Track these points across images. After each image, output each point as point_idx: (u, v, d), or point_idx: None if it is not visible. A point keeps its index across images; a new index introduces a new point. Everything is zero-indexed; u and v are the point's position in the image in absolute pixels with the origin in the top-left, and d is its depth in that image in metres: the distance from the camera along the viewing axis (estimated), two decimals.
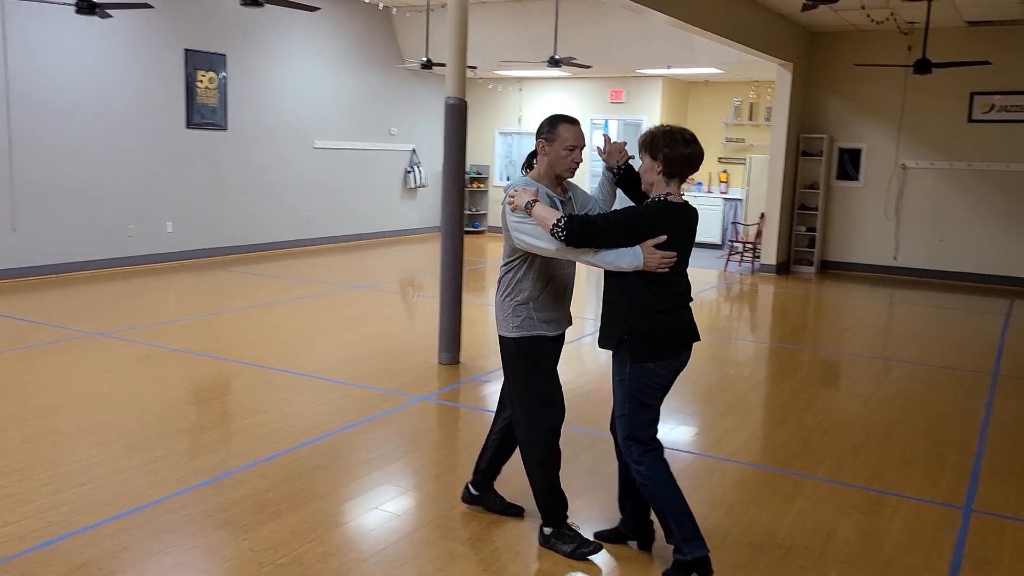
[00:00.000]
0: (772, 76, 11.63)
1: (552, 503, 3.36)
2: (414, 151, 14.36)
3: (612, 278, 3.12)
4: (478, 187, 15.28)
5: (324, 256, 11.73)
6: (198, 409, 5.10)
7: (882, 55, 10.90)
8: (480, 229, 15.39)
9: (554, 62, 10.42)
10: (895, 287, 10.81)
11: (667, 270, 3.01)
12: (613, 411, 3.26)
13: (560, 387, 3.35)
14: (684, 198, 3.16)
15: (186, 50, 10.24)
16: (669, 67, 12.41)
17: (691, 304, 3.19)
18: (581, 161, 3.29)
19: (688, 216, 3.13)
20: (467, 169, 14.58)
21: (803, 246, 11.95)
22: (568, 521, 3.40)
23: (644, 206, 3.14)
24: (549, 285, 3.29)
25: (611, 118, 14.81)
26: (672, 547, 3.13)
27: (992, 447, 4.82)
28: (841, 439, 4.88)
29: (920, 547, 3.53)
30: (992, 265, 10.94)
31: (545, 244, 3.07)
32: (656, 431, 3.17)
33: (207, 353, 6.27)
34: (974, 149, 10.89)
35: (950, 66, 8.58)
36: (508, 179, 15.47)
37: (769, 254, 11.61)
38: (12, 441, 4.36)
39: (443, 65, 11.06)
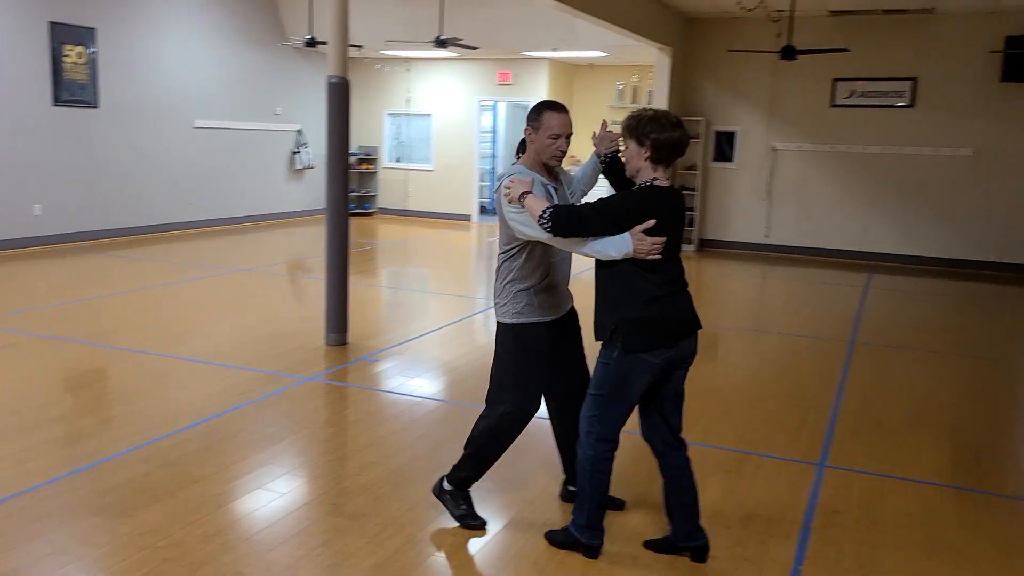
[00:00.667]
0: (653, 60, 12.00)
1: (471, 468, 3.42)
2: (300, 131, 14.08)
3: (602, 267, 3.07)
4: (367, 168, 15.14)
5: (207, 239, 11.40)
6: (72, 396, 4.93)
7: (753, 41, 11.42)
8: (370, 211, 15.27)
9: (440, 43, 10.43)
10: (767, 263, 11.41)
11: (658, 256, 2.96)
12: (646, 421, 3.22)
13: (542, 382, 3.35)
14: (669, 182, 3.10)
15: (51, 23, 9.70)
16: (555, 50, 12.61)
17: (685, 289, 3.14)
18: (566, 149, 3.23)
19: (676, 200, 3.08)
20: (355, 150, 14.46)
21: None
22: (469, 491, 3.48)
23: (632, 192, 3.08)
24: (549, 271, 3.29)
25: (499, 100, 14.93)
26: (572, 517, 3.23)
27: (845, 409, 5.22)
28: (712, 405, 5.18)
29: (777, 501, 3.82)
30: (853, 241, 11.70)
31: (542, 234, 3.04)
32: (621, 427, 3.15)
33: (81, 339, 6.05)
34: (837, 132, 11.57)
35: (813, 53, 9.10)
36: (398, 160, 15.40)
37: None
38: None
39: (326, 43, 10.92)
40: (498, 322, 3.37)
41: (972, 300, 9.34)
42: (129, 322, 6.70)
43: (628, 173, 3.15)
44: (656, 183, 3.03)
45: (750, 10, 10.86)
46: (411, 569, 3.09)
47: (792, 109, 11.77)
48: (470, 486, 3.49)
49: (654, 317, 3.01)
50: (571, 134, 3.22)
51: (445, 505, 3.47)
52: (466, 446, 3.45)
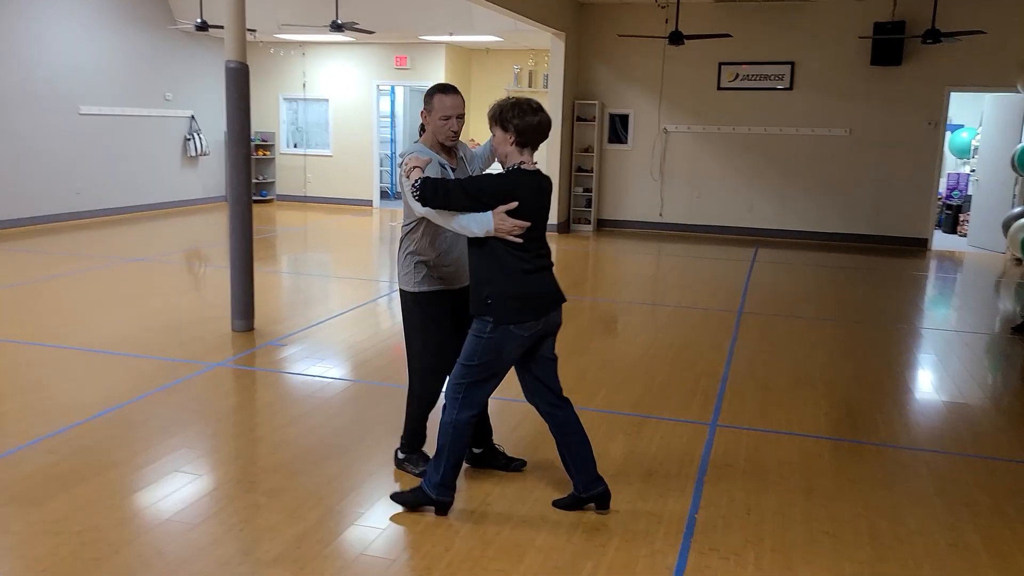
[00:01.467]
0: (548, 45, 12.24)
1: (416, 433, 3.76)
2: (193, 118, 13.71)
3: (473, 244, 3.24)
4: (264, 154, 14.88)
5: (98, 230, 11.02)
6: None
7: (643, 27, 11.82)
8: (268, 198, 15.02)
9: (336, 26, 10.37)
10: (662, 241, 11.88)
11: (519, 238, 3.15)
12: (527, 387, 3.43)
13: (452, 340, 3.51)
14: (537, 166, 3.29)
15: None
16: (451, 34, 12.69)
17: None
18: (458, 129, 3.41)
19: (540, 183, 3.27)
20: (252, 136, 14.17)
21: (581, 206, 12.78)
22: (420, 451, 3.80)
23: (499, 174, 3.27)
24: (445, 244, 3.48)
25: (397, 84, 14.90)
26: (422, 478, 3.46)
27: (734, 373, 5.59)
28: (612, 375, 5.47)
29: (674, 458, 4.11)
30: (740, 219, 12.31)
31: (421, 208, 3.21)
32: (488, 396, 3.35)
33: None
34: (723, 114, 12.13)
35: (698, 38, 9.53)
36: (295, 146, 15.19)
37: (551, 214, 12.29)
38: None
39: (220, 28, 10.69)
40: (401, 290, 3.61)
41: (848, 270, 10.01)
42: (20, 314, 6.49)
43: (499, 158, 3.36)
44: (523, 166, 3.23)
45: None
46: (332, 537, 3.22)
47: (681, 92, 12.24)
48: (421, 446, 3.81)
49: (522, 292, 3.23)
50: (462, 115, 3.42)
51: (406, 471, 3.78)
52: (406, 418, 3.77)
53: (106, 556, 3.00)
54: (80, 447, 3.98)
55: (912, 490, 3.84)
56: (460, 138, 3.61)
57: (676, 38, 9.26)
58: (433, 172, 3.33)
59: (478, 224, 3.15)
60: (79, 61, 11.39)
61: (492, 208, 3.14)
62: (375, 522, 3.36)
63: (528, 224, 3.18)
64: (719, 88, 12.03)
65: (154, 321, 6.43)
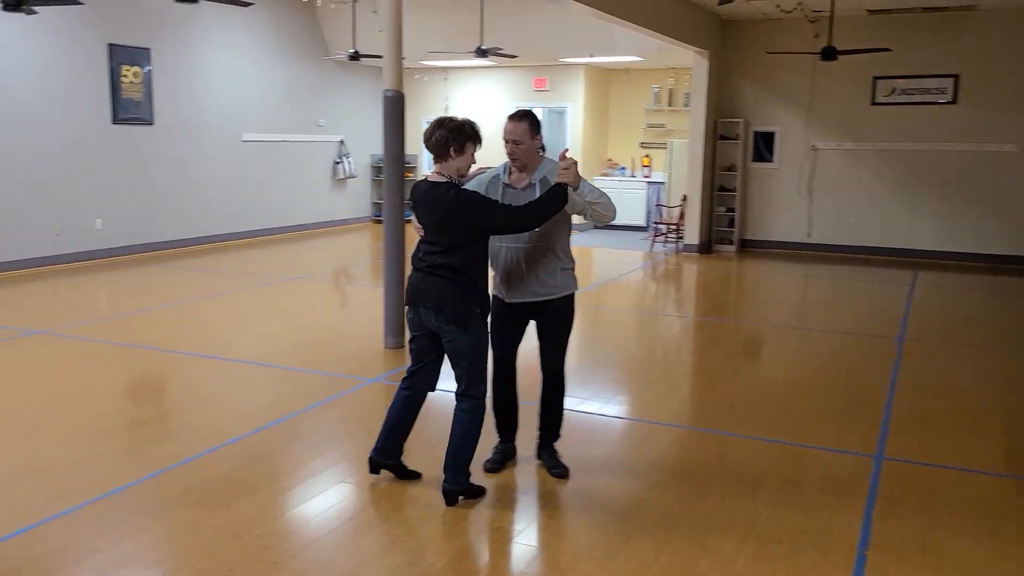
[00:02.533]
0: (689, 63, 12.09)
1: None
2: (342, 142, 14.39)
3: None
4: (408, 176, 15.38)
5: (255, 249, 11.72)
6: (154, 400, 5.19)
7: (791, 43, 11.47)
8: (410, 218, 15.50)
9: (481, 52, 10.64)
10: (810, 262, 11.44)
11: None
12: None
13: (498, 345, 3.94)
14: (437, 176, 3.60)
15: (109, 44, 10.09)
16: (591, 56, 12.77)
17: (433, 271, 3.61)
18: (516, 153, 3.72)
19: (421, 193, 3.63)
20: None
21: (723, 226, 12.50)
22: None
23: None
24: (495, 258, 3.83)
25: (536, 106, 15.10)
26: (444, 478, 3.67)
27: (899, 402, 5.30)
28: (764, 401, 5.30)
29: (839, 491, 3.93)
30: (897, 239, 11.68)
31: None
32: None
33: (145, 345, 6.32)
34: (878, 130, 11.58)
35: (853, 53, 9.15)
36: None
37: (692, 234, 12.12)
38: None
39: (371, 57, 11.20)
40: (563, 297, 3.92)
41: (1018, 295, 9.31)
42: (191, 329, 6.97)
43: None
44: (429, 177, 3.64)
45: (788, 12, 10.93)
46: (491, 554, 3.26)
47: (832, 108, 11.79)
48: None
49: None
50: (519, 141, 3.69)
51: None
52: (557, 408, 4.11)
53: (284, 560, 3.17)
54: (255, 455, 4.22)
55: None
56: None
57: (829, 54, 8.93)
58: (477, 185, 3.78)
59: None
60: (242, 92, 12.20)
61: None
62: (531, 540, 3.39)
63: (420, 226, 3.65)
64: (873, 103, 11.50)
65: (311, 336, 6.75)
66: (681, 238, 12.34)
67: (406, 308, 3.73)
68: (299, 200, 13.60)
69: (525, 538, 3.42)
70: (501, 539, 3.41)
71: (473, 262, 3.58)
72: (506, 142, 3.72)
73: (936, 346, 6.80)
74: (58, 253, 9.77)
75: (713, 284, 10.06)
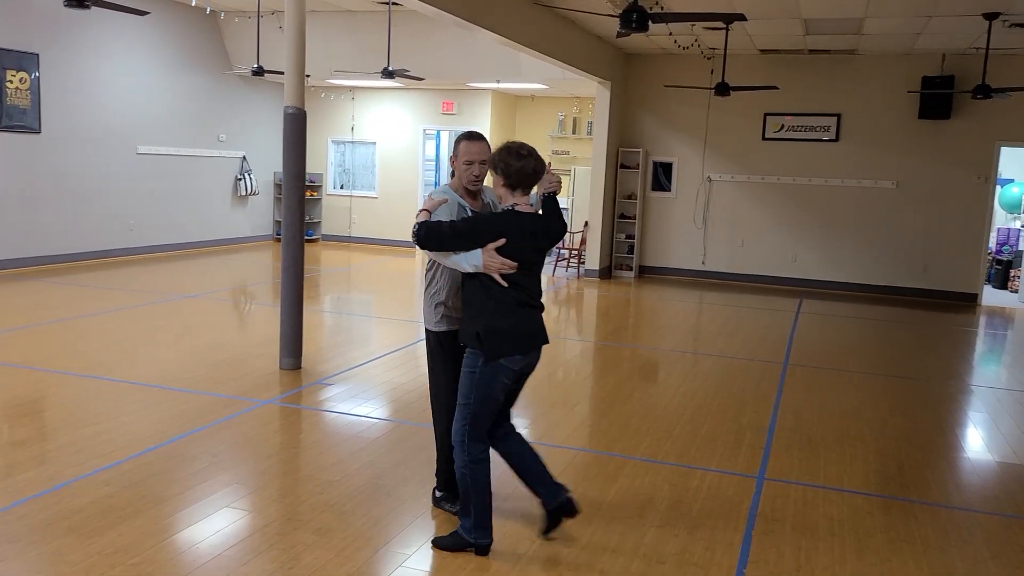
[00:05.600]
0: (593, 93, 12.41)
1: (449, 471, 3.71)
2: (244, 158, 14.09)
3: (467, 279, 3.40)
4: (311, 195, 15.19)
5: (151, 265, 11.31)
6: (29, 420, 4.93)
7: (689, 77, 11.93)
8: (314, 237, 15.30)
9: (388, 73, 10.63)
10: (703, 289, 11.84)
11: (511, 271, 3.28)
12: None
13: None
14: (532, 208, 3.44)
15: None
16: (498, 81, 12.94)
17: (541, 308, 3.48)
18: (480, 174, 3.53)
19: (531, 225, 3.39)
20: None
21: (623, 252, 12.82)
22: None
23: (490, 214, 3.49)
24: (458, 286, 3.56)
25: (443, 129, 15.18)
26: (460, 520, 3.51)
27: (780, 425, 5.54)
28: (656, 424, 5.44)
29: (721, 510, 4.07)
30: (784, 268, 12.24)
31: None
32: (488, 427, 3.46)
33: (26, 365, 6.01)
34: (768, 164, 12.14)
35: (745, 89, 9.60)
36: (342, 187, 15.49)
37: (593, 260, 12.38)
38: None
39: (275, 72, 11.03)
40: (426, 330, 3.75)
41: (895, 324, 9.87)
42: (75, 347, 6.67)
43: (497, 199, 3.56)
44: (516, 207, 3.38)
45: (686, 48, 11.37)
46: None
47: (726, 141, 12.30)
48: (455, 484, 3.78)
49: (511, 328, 3.36)
50: (484, 161, 3.53)
51: (445, 509, 3.82)
52: (449, 458, 3.72)
53: None
54: (134, 480, 4.06)
55: (967, 553, 3.75)
56: (486, 183, 3.69)
57: (722, 89, 9.34)
58: (448, 214, 3.46)
59: (468, 261, 3.31)
60: (139, 103, 11.81)
61: (483, 247, 3.28)
62: (421, 564, 3.38)
63: (515, 264, 3.29)
64: (764, 138, 12.07)
65: (204, 357, 6.56)
66: (582, 263, 12.58)
67: (518, 356, 3.38)
68: (198, 216, 13.21)
69: (415, 562, 3.41)
70: (391, 563, 3.38)
71: None
72: (470, 164, 3.51)
73: (817, 371, 7.14)
74: None
75: (612, 309, 10.28)
